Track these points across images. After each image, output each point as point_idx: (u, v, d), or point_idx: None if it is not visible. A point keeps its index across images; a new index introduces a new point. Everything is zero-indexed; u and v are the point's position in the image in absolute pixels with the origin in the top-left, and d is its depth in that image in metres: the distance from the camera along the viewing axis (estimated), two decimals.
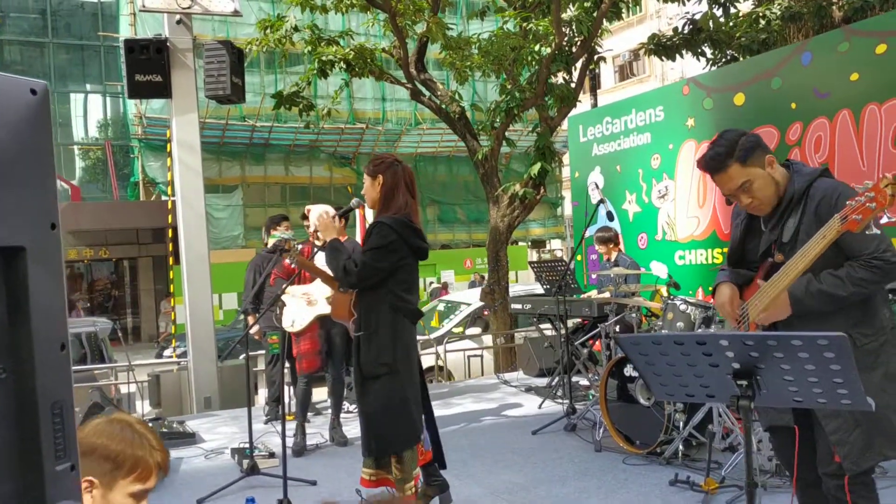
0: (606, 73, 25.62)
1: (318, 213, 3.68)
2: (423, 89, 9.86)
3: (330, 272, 3.76)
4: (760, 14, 9.52)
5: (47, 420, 1.22)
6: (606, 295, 5.93)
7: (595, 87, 13.71)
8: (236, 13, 7.07)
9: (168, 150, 7.99)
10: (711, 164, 2.59)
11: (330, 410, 5.86)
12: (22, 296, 1.19)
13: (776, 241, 2.59)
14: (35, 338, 1.20)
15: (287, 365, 6.64)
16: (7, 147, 1.18)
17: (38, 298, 1.20)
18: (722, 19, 9.78)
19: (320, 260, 5.29)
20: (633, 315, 5.43)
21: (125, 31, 18.27)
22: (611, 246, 6.52)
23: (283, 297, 5.19)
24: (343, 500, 4.09)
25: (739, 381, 1.85)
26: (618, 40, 19.89)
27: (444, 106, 9.81)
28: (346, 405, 6.46)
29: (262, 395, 7.00)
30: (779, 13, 9.39)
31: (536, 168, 9.00)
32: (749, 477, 1.86)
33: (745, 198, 2.59)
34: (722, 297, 2.70)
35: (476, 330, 9.98)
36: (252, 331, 6.15)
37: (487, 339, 9.92)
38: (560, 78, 9.50)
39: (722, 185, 2.62)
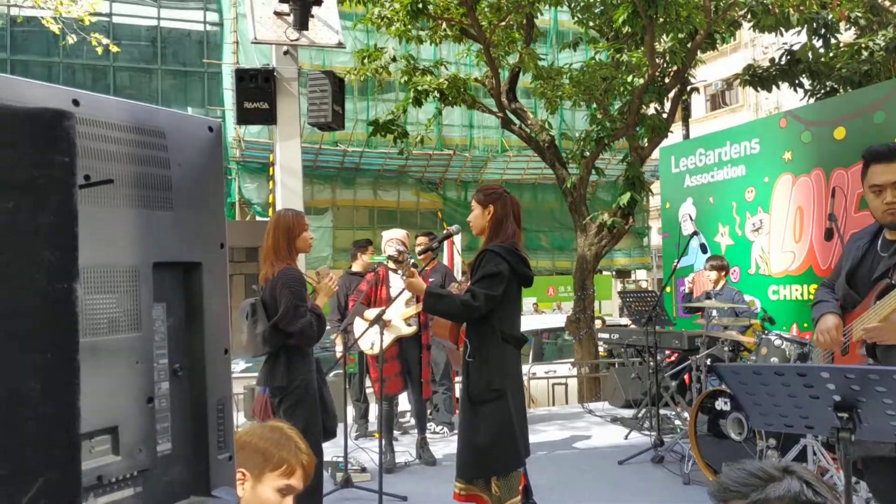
0: (697, 102, 25.21)
1: (410, 284, 3.78)
2: (514, 118, 10.03)
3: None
4: (863, 45, 9.30)
5: (213, 415, 1.40)
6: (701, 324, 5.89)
7: (686, 116, 13.57)
8: (340, 45, 7.40)
9: (271, 173, 8.37)
10: (885, 151, 2.74)
11: (416, 430, 6.01)
12: (198, 305, 1.38)
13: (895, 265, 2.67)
14: (206, 342, 1.39)
15: (367, 384, 6.84)
16: (189, 176, 1.39)
17: (209, 307, 1.39)
18: (822, 50, 9.59)
19: (395, 282, 5.48)
20: (726, 349, 5.38)
21: (228, 59, 19.17)
22: (722, 274, 6.46)
23: (362, 321, 5.34)
24: None
25: (840, 414, 1.88)
26: (710, 69, 19.62)
27: (533, 135, 9.94)
28: (430, 425, 6.59)
29: (350, 412, 7.22)
30: (882, 44, 9.14)
31: (626, 198, 9.01)
32: None
33: (891, 195, 2.69)
34: (828, 324, 2.78)
35: None
36: (339, 352, 6.37)
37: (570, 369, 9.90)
38: (652, 108, 9.52)
39: (879, 174, 2.74)
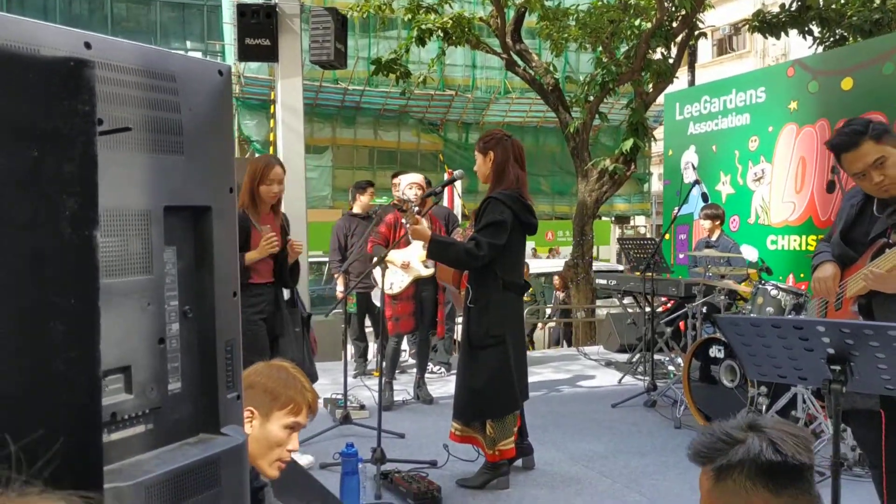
0: (704, 47, 24.71)
1: (414, 231, 3.76)
2: (518, 60, 9.89)
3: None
4: None
5: (222, 355, 1.44)
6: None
7: (692, 62, 13.38)
8: None
9: (272, 110, 8.31)
10: (846, 140, 2.66)
11: (415, 370, 6.12)
12: (207, 248, 1.40)
13: (894, 225, 2.66)
14: (216, 284, 1.41)
15: (368, 323, 6.94)
16: (199, 121, 1.39)
17: (219, 250, 1.41)
18: None
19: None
20: (721, 297, 5.43)
21: None
22: (717, 223, 6.49)
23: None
24: (430, 453, 4.32)
25: (833, 366, 1.93)
26: (718, 13, 19.25)
27: (538, 77, 9.83)
28: (429, 365, 6.69)
29: (350, 350, 7.32)
30: None
31: (629, 144, 8.97)
32: (835, 456, 1.96)
33: (876, 175, 2.64)
34: (825, 272, 2.78)
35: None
36: (339, 291, 6.48)
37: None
38: (658, 53, 9.38)
39: (853, 162, 2.67)
